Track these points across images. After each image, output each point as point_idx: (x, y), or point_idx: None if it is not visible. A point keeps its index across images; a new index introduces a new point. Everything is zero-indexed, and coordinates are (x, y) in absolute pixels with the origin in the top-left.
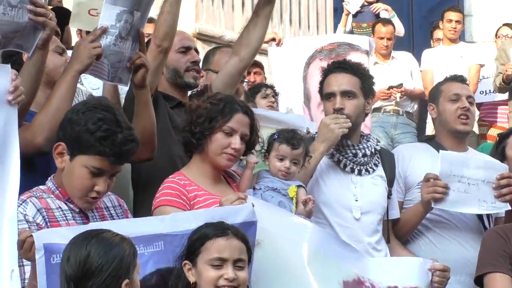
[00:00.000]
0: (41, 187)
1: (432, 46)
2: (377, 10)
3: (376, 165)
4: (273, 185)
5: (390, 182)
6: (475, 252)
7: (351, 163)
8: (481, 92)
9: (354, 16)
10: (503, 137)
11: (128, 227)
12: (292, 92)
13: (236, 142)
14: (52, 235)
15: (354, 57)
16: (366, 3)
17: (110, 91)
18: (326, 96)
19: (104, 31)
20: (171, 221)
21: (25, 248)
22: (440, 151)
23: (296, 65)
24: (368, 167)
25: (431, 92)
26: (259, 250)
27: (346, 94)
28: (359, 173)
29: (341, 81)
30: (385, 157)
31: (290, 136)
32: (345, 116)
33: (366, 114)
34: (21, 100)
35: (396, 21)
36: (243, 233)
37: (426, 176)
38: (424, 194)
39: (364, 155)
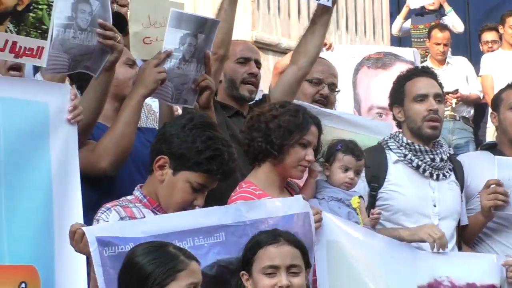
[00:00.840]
0: (128, 197)
1: (481, 49)
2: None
3: (450, 170)
4: (337, 196)
5: (461, 189)
6: None
7: (430, 168)
8: None
9: (416, 15)
10: None
11: (188, 219)
12: (342, 97)
13: (310, 154)
14: (103, 229)
15: (399, 67)
16: (426, 10)
17: (167, 109)
18: (416, 98)
19: (169, 54)
20: (235, 211)
21: (76, 239)
22: (496, 156)
23: (345, 71)
24: (444, 172)
25: (493, 99)
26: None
27: (437, 97)
28: (437, 178)
29: (433, 85)
30: (455, 163)
31: (353, 147)
32: (438, 118)
33: None
34: (80, 120)
35: (453, 16)
36: (297, 239)
37: (488, 182)
38: (484, 201)
39: (441, 159)
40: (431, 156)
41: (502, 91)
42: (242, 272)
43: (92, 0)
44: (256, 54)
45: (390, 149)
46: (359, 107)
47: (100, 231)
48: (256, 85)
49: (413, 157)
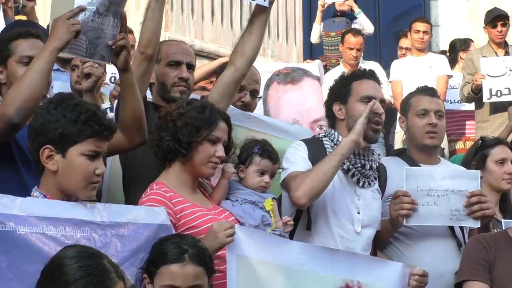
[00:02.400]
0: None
1: (398, 55)
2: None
3: (375, 179)
4: (251, 198)
5: (382, 195)
6: (447, 263)
7: (359, 174)
8: (446, 101)
9: (327, 21)
10: (486, 145)
11: (62, 208)
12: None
13: (220, 150)
14: None
15: (307, 82)
16: (338, 13)
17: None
18: (363, 98)
19: (82, 10)
20: (93, 209)
21: None
22: (404, 167)
23: None
24: (370, 180)
25: (402, 104)
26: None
27: (382, 102)
28: (363, 185)
29: (379, 89)
30: (381, 169)
31: (270, 150)
32: (380, 122)
33: None
34: None
35: (363, 17)
36: (202, 254)
37: (396, 193)
38: (392, 212)
39: (371, 167)
40: (362, 162)
41: (411, 96)
42: (144, 275)
43: None
44: (189, 56)
45: (325, 147)
46: None
47: None
48: (187, 88)
49: (345, 160)
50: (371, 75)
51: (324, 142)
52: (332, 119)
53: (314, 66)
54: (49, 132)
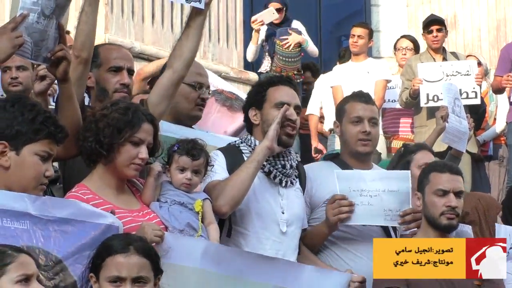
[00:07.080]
0: None
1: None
2: (289, 46)
3: (296, 177)
4: (180, 199)
5: (303, 194)
6: None
7: (280, 175)
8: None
9: (278, 30)
10: (408, 151)
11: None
12: None
13: (143, 152)
14: None
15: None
16: (274, 22)
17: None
18: (278, 104)
19: (25, 17)
20: (42, 203)
21: None
22: (335, 171)
23: None
24: (291, 179)
25: (337, 109)
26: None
27: (297, 108)
28: (285, 185)
29: (294, 95)
30: (301, 170)
31: (190, 147)
32: (294, 127)
33: None
34: None
35: (311, 45)
36: (148, 247)
37: (333, 197)
38: (331, 217)
39: (291, 166)
40: (282, 163)
41: (346, 101)
42: (90, 274)
43: None
44: (129, 62)
45: (242, 153)
46: None
47: None
48: (128, 93)
49: (264, 162)
50: (287, 81)
51: (242, 148)
52: (248, 124)
53: None
54: (5, 129)
